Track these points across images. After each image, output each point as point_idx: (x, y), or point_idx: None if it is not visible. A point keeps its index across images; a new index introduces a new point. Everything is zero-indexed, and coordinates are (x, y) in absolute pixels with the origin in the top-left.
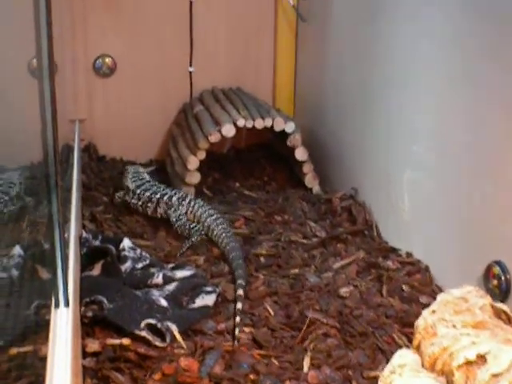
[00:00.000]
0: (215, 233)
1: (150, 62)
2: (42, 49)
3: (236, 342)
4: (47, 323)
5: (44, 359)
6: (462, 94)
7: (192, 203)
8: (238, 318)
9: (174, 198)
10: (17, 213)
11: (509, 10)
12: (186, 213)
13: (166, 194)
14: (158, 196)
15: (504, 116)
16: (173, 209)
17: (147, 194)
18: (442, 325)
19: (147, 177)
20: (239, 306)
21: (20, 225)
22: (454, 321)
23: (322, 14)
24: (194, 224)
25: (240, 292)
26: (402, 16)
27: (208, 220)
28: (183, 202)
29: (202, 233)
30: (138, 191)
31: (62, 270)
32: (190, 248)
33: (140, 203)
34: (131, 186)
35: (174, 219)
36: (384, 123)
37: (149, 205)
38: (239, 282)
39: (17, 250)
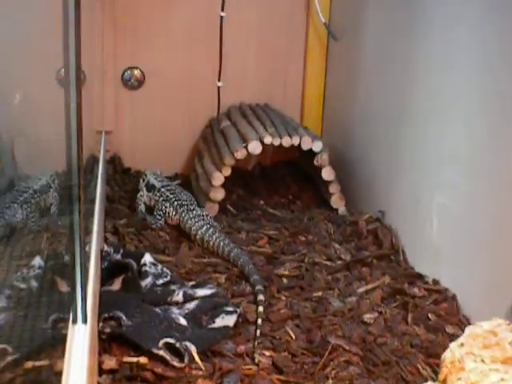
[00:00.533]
0: (211, 244)
1: (179, 75)
2: (69, 58)
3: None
4: (64, 338)
5: (59, 374)
6: (491, 118)
7: (184, 214)
8: (259, 320)
9: (176, 202)
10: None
11: None
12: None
13: (179, 199)
14: (171, 196)
15: None
16: (168, 204)
17: (168, 193)
18: (470, 359)
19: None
20: (261, 309)
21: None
22: (482, 355)
23: (353, 32)
24: (163, 220)
25: (261, 297)
26: (438, 41)
27: (199, 232)
28: (179, 210)
29: (158, 225)
30: (163, 189)
31: (81, 285)
32: (144, 220)
33: (161, 199)
34: (157, 184)
35: (158, 209)
36: (414, 146)
37: (165, 203)
38: (258, 287)
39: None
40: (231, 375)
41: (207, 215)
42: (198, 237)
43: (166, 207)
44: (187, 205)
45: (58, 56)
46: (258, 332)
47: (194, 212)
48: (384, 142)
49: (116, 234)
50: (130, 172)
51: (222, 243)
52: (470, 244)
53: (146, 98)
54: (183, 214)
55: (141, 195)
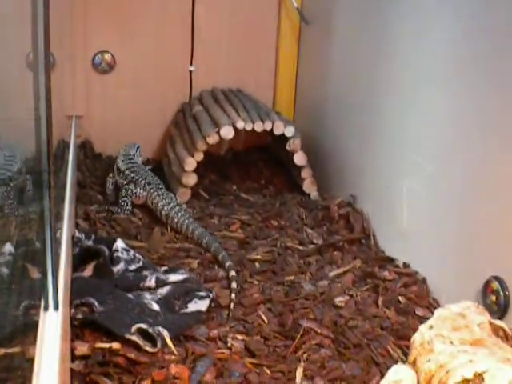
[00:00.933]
0: (176, 220)
1: (150, 59)
2: (38, 42)
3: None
4: (36, 325)
5: (31, 361)
6: (464, 105)
7: (152, 191)
8: (233, 295)
9: (142, 182)
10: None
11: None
12: (146, 196)
13: (144, 178)
14: (137, 177)
15: (507, 128)
16: (133, 185)
17: (132, 175)
18: (439, 341)
19: (138, 160)
20: (234, 285)
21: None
22: (451, 337)
23: (325, 16)
24: (130, 206)
25: (233, 273)
26: (410, 25)
27: (165, 208)
28: (147, 187)
29: (126, 213)
30: (127, 172)
31: (53, 271)
32: (108, 211)
33: (125, 182)
34: (122, 167)
35: (124, 191)
36: (385, 131)
37: (130, 185)
38: (228, 264)
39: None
40: (204, 359)
41: (174, 196)
42: (163, 213)
43: (131, 190)
44: (155, 184)
45: (28, 39)
46: (232, 305)
47: (163, 190)
48: (356, 127)
49: (87, 220)
50: (101, 157)
51: (186, 221)
52: (439, 228)
53: (117, 82)
54: (151, 191)
55: (110, 177)
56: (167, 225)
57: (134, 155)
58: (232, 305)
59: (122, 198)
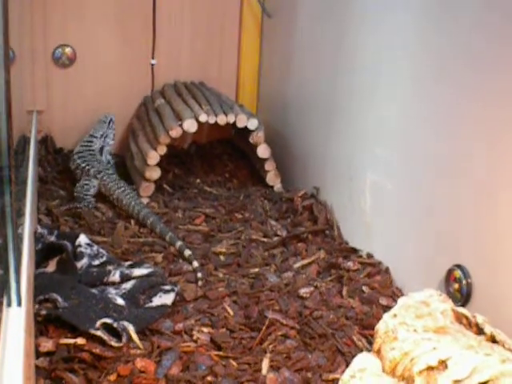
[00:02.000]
0: (124, 202)
1: (111, 53)
2: None
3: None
4: None
5: None
6: (425, 97)
7: (105, 177)
8: (199, 274)
9: (92, 170)
10: None
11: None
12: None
13: (93, 167)
14: (83, 165)
15: (467, 117)
16: (87, 177)
17: (79, 161)
18: (403, 329)
19: (96, 146)
20: (196, 264)
21: None
22: (415, 325)
23: (287, 9)
24: (90, 197)
25: (188, 252)
26: (370, 16)
27: (116, 192)
28: (98, 175)
29: (90, 206)
30: (75, 157)
31: (15, 267)
32: (71, 209)
33: (73, 168)
34: (74, 149)
35: (80, 184)
36: (347, 123)
37: (77, 172)
38: (179, 244)
39: None
40: (170, 353)
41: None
42: (114, 197)
43: (87, 183)
44: (104, 170)
45: None
46: (199, 275)
47: (114, 176)
48: (318, 120)
49: (50, 216)
50: (62, 152)
51: (133, 202)
52: (401, 218)
53: (77, 76)
54: (104, 178)
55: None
56: (117, 207)
57: (101, 136)
58: (200, 283)
59: (84, 193)
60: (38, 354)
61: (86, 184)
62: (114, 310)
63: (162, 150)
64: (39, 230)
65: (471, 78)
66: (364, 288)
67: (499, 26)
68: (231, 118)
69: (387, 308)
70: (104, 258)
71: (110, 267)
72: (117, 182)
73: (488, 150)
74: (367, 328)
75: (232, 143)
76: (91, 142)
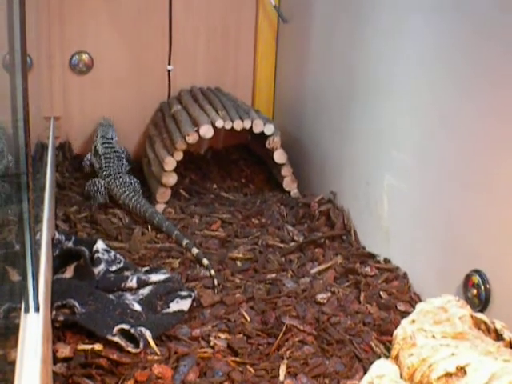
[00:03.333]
0: (131, 206)
1: (128, 59)
2: (14, 43)
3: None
4: (17, 327)
5: (13, 364)
6: (446, 101)
7: (111, 182)
8: (212, 272)
9: (105, 173)
10: None
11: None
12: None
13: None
14: (104, 166)
15: (488, 124)
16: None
17: (104, 161)
18: (422, 335)
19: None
20: (205, 261)
21: None
22: (433, 331)
23: (303, 15)
24: (102, 195)
25: (196, 250)
26: (384, 20)
27: (121, 197)
28: (107, 179)
29: (101, 201)
30: (102, 157)
31: (33, 273)
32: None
33: (98, 167)
34: (100, 150)
35: (91, 181)
36: (364, 128)
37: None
38: (186, 242)
39: None
40: (187, 359)
41: (135, 182)
42: (121, 201)
43: (96, 182)
44: (114, 174)
45: (4, 41)
46: (213, 272)
47: (120, 180)
48: (335, 124)
49: (67, 222)
50: (80, 158)
51: (138, 205)
52: (419, 223)
53: (94, 82)
54: (110, 182)
55: (87, 158)
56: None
57: (111, 138)
58: (213, 272)
59: (89, 188)
60: (56, 360)
61: (98, 182)
62: (131, 315)
63: (179, 155)
64: (57, 235)
65: (488, 82)
66: (382, 294)
67: None
68: (247, 124)
69: (405, 314)
70: (121, 264)
71: (127, 273)
72: (122, 187)
73: (508, 155)
74: (385, 334)
75: (248, 148)
76: (110, 143)
